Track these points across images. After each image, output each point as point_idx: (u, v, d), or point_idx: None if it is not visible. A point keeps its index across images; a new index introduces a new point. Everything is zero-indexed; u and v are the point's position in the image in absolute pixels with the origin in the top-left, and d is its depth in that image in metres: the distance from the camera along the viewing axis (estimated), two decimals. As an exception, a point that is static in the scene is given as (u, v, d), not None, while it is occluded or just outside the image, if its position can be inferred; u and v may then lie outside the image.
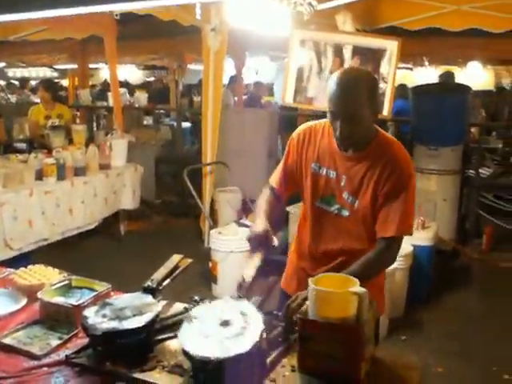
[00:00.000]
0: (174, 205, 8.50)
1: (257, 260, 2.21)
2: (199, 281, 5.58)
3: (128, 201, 6.64)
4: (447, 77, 8.84)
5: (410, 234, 2.31)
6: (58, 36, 8.39)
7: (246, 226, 5.56)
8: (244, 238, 5.37)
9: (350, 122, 2.14)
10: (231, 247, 5.27)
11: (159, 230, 7.63)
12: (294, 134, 2.49)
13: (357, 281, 1.89)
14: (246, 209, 6.74)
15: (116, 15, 5.90)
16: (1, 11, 2.89)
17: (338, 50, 5.68)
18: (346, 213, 2.33)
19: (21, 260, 4.94)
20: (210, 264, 5.46)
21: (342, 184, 2.31)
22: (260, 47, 10.36)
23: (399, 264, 4.77)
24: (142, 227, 7.60)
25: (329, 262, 2.40)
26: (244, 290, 2.07)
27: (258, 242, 2.29)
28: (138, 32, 8.77)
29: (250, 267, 2.17)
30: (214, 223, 6.44)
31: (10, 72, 19.23)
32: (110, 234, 6.91)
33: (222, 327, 1.78)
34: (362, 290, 1.83)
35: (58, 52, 11.56)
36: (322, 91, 5.59)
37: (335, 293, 1.85)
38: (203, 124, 6.52)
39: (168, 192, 8.83)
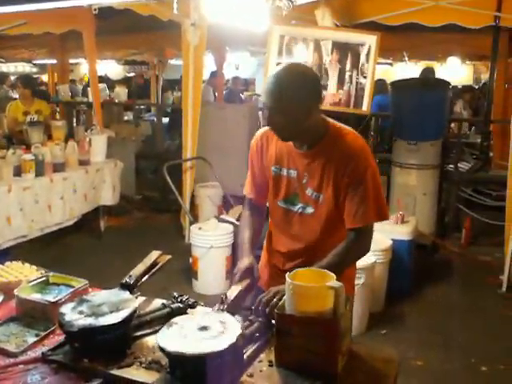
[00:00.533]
0: (154, 200, 8.48)
1: (242, 285, 2.22)
2: (180, 277, 5.57)
3: (108, 197, 6.60)
4: (427, 72, 8.91)
5: (382, 219, 2.29)
6: (37, 31, 8.30)
7: (227, 221, 5.56)
8: (223, 233, 5.41)
9: (279, 115, 2.15)
10: (211, 242, 5.27)
11: (140, 225, 7.60)
12: (253, 142, 2.51)
13: (333, 275, 1.90)
14: (227, 204, 6.74)
15: (94, 10, 5.85)
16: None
17: (317, 45, 5.70)
18: (310, 210, 2.34)
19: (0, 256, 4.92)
20: (191, 260, 5.45)
21: (304, 181, 2.32)
22: (240, 42, 10.34)
23: (378, 258, 4.80)
24: (123, 223, 7.56)
25: (296, 259, 2.42)
26: (225, 305, 2.07)
27: (244, 275, 2.29)
28: (117, 27, 8.72)
29: (234, 289, 2.18)
30: (195, 219, 6.44)
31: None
32: (90, 230, 6.86)
33: (200, 331, 1.79)
34: (338, 284, 1.84)
35: (37, 47, 11.48)
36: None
37: (312, 287, 1.85)
38: (183, 119, 6.51)
39: (148, 187, 8.80)
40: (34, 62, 16.35)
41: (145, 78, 16.38)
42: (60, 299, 2.18)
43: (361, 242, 2.29)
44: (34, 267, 2.61)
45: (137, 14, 6.20)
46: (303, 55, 5.73)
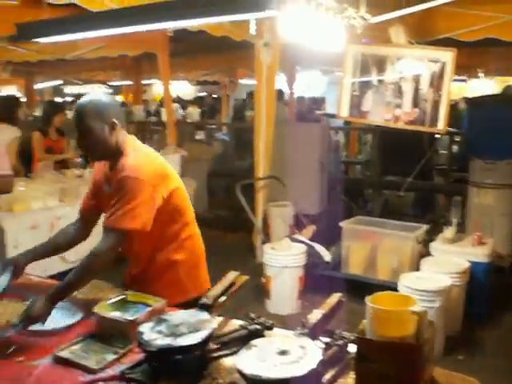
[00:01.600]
0: (226, 219, 8.53)
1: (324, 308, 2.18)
2: (252, 296, 5.56)
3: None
4: (509, 89, 8.65)
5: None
6: (113, 53, 8.57)
7: (299, 241, 5.53)
8: (297, 253, 5.38)
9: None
10: (284, 262, 5.24)
11: (211, 244, 7.53)
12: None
13: (415, 299, 1.85)
14: (299, 224, 6.70)
15: (169, 32, 5.98)
16: (63, 32, 2.98)
17: (392, 63, 5.62)
18: None
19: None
20: (263, 279, 5.44)
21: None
22: (311, 61, 10.36)
23: (455, 281, 4.66)
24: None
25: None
26: (307, 329, 2.03)
27: None
28: (190, 48, 8.89)
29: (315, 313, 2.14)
30: (267, 238, 6.42)
31: (67, 89, 19.77)
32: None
33: (279, 355, 1.76)
34: (421, 309, 1.78)
35: (112, 69, 11.83)
36: (377, 105, 5.55)
37: (394, 311, 1.80)
38: (255, 138, 6.54)
39: (220, 206, 8.87)
40: (109, 83, 16.87)
41: (214, 98, 16.63)
42: (138, 318, 2.20)
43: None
44: (112, 285, 2.65)
45: (210, 35, 6.29)
46: (379, 73, 5.66)
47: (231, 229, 8.09)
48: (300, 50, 6.74)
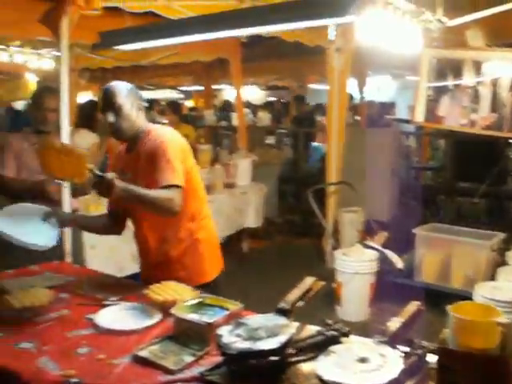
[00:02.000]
0: (295, 224, 8.53)
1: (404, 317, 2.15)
2: (321, 302, 5.51)
3: (252, 219, 6.73)
4: None
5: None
6: (186, 60, 8.70)
7: (371, 247, 5.47)
8: (368, 259, 5.32)
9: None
10: (356, 269, 5.19)
11: (281, 248, 7.66)
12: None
13: (499, 311, 1.80)
14: (370, 230, 6.63)
15: (243, 38, 6.04)
16: (143, 39, 3.06)
17: (469, 67, 5.48)
18: None
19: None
20: (334, 285, 5.40)
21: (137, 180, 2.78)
22: (382, 65, 10.24)
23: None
24: (264, 246, 7.66)
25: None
26: (386, 337, 2.01)
27: None
28: (261, 53, 8.93)
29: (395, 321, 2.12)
30: (337, 243, 6.39)
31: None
32: (233, 251, 7.00)
33: (359, 363, 1.74)
34: (507, 320, 1.73)
35: (183, 74, 11.99)
36: (453, 109, 5.42)
37: (479, 322, 1.75)
38: (327, 143, 6.52)
39: (290, 211, 8.87)
40: (180, 88, 17.13)
41: (283, 103, 16.63)
42: (216, 321, 2.22)
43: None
44: (189, 287, 2.68)
45: (282, 40, 6.31)
46: (455, 78, 5.53)
47: (301, 234, 8.09)
48: (371, 54, 6.68)
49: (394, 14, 2.93)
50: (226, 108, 14.48)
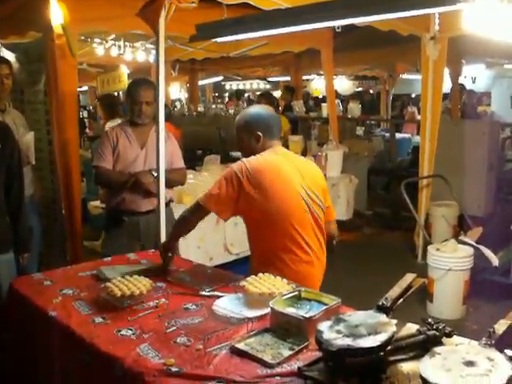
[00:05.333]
0: (385, 217, 8.39)
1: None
2: (412, 297, 5.39)
3: (342, 211, 6.65)
4: None
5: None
6: (276, 50, 8.68)
7: (467, 243, 5.29)
8: (463, 255, 5.16)
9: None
10: (450, 265, 5.04)
11: (370, 241, 7.56)
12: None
13: None
14: (463, 225, 6.42)
15: (338, 28, 5.93)
16: (239, 31, 3.06)
17: None
18: None
19: (240, 264, 5.20)
20: (426, 281, 5.26)
21: None
22: (477, 54, 9.86)
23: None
24: (354, 238, 7.57)
25: None
26: (493, 341, 1.93)
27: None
28: (352, 43, 8.79)
29: (502, 323, 2.03)
30: (429, 238, 6.23)
31: (227, 85, 20.40)
32: (322, 243, 6.95)
33: (465, 366, 1.67)
34: None
35: (272, 65, 11.98)
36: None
37: None
38: (421, 134, 6.36)
39: (379, 203, 8.73)
40: (268, 79, 17.14)
41: (371, 93, 16.34)
42: (314, 315, 2.19)
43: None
44: (285, 280, 2.67)
45: (375, 29, 6.16)
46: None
47: (390, 227, 7.96)
48: (467, 42, 6.45)
49: (501, 2, 2.79)
50: (315, 98, 14.42)
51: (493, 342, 1.89)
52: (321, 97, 14.59)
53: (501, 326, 1.97)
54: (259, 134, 3.07)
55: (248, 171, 2.94)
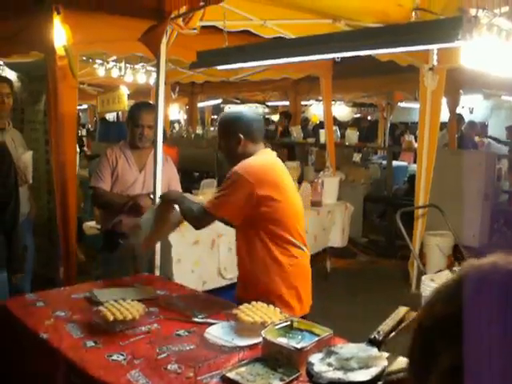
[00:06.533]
0: (380, 245, 8.38)
1: None
2: (404, 330, 5.39)
3: (337, 239, 6.65)
4: None
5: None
6: (276, 76, 8.74)
7: (460, 274, 5.29)
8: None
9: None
10: (444, 296, 5.02)
11: (364, 269, 7.55)
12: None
13: None
14: (458, 255, 6.43)
15: (337, 58, 5.98)
16: (238, 60, 3.09)
17: None
18: None
19: (232, 289, 5.19)
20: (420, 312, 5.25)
21: None
22: (474, 85, 9.94)
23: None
24: (348, 265, 7.57)
25: None
26: None
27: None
28: (352, 71, 8.86)
29: None
30: (423, 267, 6.23)
31: (226, 108, 20.51)
32: (316, 270, 6.90)
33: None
34: None
35: (271, 90, 12.06)
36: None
37: None
38: (417, 164, 6.39)
39: (374, 231, 8.73)
40: (267, 103, 17.24)
41: (369, 120, 16.42)
42: (306, 346, 2.19)
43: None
44: (278, 310, 2.67)
45: (374, 58, 6.21)
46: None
47: (385, 255, 7.95)
48: (465, 73, 6.50)
49: (498, 37, 2.84)
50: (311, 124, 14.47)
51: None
52: (318, 122, 14.65)
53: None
54: (240, 136, 3.02)
55: (255, 173, 2.91)
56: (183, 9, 3.56)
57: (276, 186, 2.96)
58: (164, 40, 3.59)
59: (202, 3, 3.37)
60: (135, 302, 2.77)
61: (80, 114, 13.25)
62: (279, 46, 3.28)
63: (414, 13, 2.78)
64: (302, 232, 3.13)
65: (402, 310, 2.30)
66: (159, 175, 3.83)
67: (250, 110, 3.30)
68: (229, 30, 4.23)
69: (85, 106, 15.04)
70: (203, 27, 3.98)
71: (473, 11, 2.62)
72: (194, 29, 3.76)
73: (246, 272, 3.13)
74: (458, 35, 2.10)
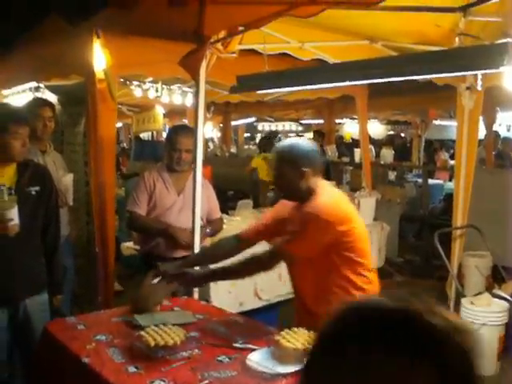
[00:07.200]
0: (416, 265, 8.28)
1: None
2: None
3: (373, 259, 6.58)
4: None
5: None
6: (311, 96, 8.74)
7: (501, 297, 5.19)
8: (498, 310, 5.06)
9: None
10: (484, 320, 4.93)
11: (401, 289, 7.44)
12: None
13: None
14: (497, 277, 6.31)
15: (374, 79, 5.98)
16: (276, 85, 3.10)
17: None
18: None
19: (268, 310, 5.17)
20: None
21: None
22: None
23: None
24: (384, 286, 7.45)
25: None
26: None
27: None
28: (386, 89, 8.83)
29: None
30: (461, 289, 6.12)
31: (260, 126, 20.61)
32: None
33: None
34: None
35: (305, 109, 12.07)
36: None
37: None
38: (455, 183, 6.30)
39: (410, 251, 8.63)
40: (301, 121, 17.28)
41: (402, 137, 16.31)
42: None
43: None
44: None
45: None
46: None
47: (420, 275, 7.83)
48: (502, 91, 6.42)
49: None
50: (346, 143, 14.44)
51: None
52: (350, 140, 14.62)
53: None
54: (305, 169, 2.83)
55: (333, 212, 2.78)
56: (222, 33, 3.59)
57: (351, 215, 2.88)
58: (203, 64, 3.61)
59: (241, 28, 3.39)
60: (176, 327, 2.78)
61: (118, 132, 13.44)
62: (319, 72, 3.28)
63: (457, 38, 2.76)
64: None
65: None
66: (199, 201, 3.84)
67: (305, 141, 3.09)
68: (267, 52, 4.25)
69: (119, 125, 15.24)
70: (242, 50, 4.00)
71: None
72: (233, 52, 3.78)
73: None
74: (504, 61, 2.08)
